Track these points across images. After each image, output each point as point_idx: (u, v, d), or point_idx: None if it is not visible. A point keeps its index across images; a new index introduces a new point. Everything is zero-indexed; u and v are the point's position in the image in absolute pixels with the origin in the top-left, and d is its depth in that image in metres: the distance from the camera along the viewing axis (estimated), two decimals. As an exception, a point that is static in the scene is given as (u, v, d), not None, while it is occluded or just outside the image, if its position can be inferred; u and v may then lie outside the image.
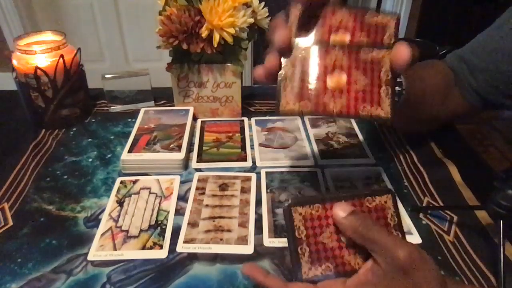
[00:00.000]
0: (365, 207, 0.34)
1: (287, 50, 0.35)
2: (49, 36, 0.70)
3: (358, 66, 0.34)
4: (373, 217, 0.34)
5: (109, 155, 0.63)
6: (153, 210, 0.52)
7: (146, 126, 0.66)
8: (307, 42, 0.35)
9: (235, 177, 0.58)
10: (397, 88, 0.46)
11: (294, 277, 0.34)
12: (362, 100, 0.34)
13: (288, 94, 0.34)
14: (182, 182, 0.57)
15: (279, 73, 0.35)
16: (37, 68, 0.63)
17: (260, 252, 0.46)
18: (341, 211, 0.33)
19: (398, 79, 0.47)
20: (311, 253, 0.34)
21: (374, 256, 0.32)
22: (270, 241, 0.47)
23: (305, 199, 0.35)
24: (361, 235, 0.32)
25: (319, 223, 0.34)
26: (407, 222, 0.50)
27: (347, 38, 0.34)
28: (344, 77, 0.34)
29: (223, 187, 0.56)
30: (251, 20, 0.64)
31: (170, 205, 0.53)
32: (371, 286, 0.32)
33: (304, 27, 0.35)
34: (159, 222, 0.50)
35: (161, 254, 0.46)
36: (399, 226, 0.35)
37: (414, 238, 0.48)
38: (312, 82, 0.34)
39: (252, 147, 0.65)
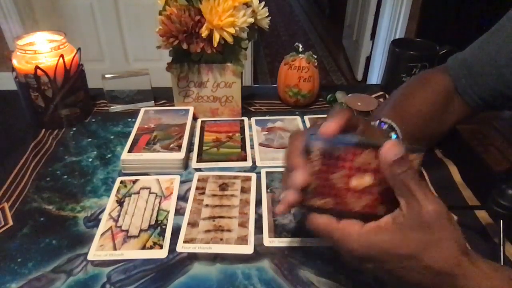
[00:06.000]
0: None
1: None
2: (49, 35, 0.70)
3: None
4: None
5: (109, 155, 0.63)
6: (153, 210, 0.52)
7: (146, 126, 0.66)
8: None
9: (235, 177, 0.58)
10: (392, 134, 0.48)
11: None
12: (381, 202, 0.34)
13: (310, 190, 0.34)
14: (182, 182, 0.57)
15: None
16: (37, 68, 0.63)
17: (260, 252, 0.46)
18: (392, 153, 0.31)
19: (389, 125, 0.49)
20: (316, 187, 0.34)
21: (401, 203, 0.32)
22: (270, 241, 0.47)
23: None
24: (400, 181, 0.31)
25: (335, 163, 0.33)
26: None
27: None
28: (368, 179, 0.33)
29: (223, 187, 0.56)
30: (251, 20, 0.64)
31: (170, 205, 0.53)
32: (388, 233, 0.32)
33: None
34: (159, 222, 0.50)
35: (161, 254, 0.46)
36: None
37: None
38: (336, 182, 0.34)
39: (252, 147, 0.65)
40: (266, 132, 0.69)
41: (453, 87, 0.58)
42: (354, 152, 0.33)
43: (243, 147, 0.65)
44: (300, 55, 0.73)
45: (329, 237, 0.34)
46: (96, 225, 0.50)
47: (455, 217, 0.51)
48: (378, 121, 0.49)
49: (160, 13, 0.64)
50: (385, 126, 0.48)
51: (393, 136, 0.49)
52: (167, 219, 0.51)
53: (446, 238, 0.31)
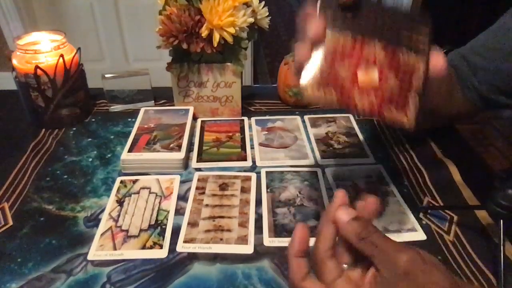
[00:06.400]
0: (395, 59, 0.32)
1: (319, 41, 0.33)
2: (49, 35, 0.70)
3: (391, 65, 0.32)
4: (400, 72, 0.32)
5: (109, 155, 0.63)
6: (153, 209, 0.52)
7: (146, 126, 0.66)
8: (341, 34, 0.32)
9: (235, 177, 0.58)
10: None
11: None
12: (389, 101, 0.32)
13: (315, 78, 0.32)
14: (182, 182, 0.57)
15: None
16: (37, 67, 0.63)
17: (260, 252, 0.46)
18: (344, 214, 0.32)
19: None
20: (321, 74, 0.32)
21: (375, 263, 0.31)
22: (270, 241, 0.47)
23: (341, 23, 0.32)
24: (362, 240, 0.31)
25: (342, 52, 0.32)
26: (411, 219, 0.50)
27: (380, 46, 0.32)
28: (376, 74, 0.32)
29: (223, 186, 0.56)
30: (251, 20, 0.64)
31: (170, 204, 0.53)
32: None
33: (337, 21, 0.33)
34: (159, 222, 0.50)
35: (161, 254, 0.46)
36: (420, 92, 0.33)
37: (419, 235, 0.48)
38: (342, 72, 0.32)
39: (252, 147, 0.65)
40: (266, 132, 0.69)
41: (455, 77, 0.58)
42: (363, 41, 0.32)
43: (243, 147, 0.65)
44: (300, 55, 0.73)
45: None
46: (96, 225, 0.50)
47: (455, 217, 0.51)
48: None
49: (160, 13, 0.64)
50: None
51: None
52: (167, 219, 0.51)
53: (429, 281, 0.29)
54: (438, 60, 0.33)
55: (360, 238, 0.31)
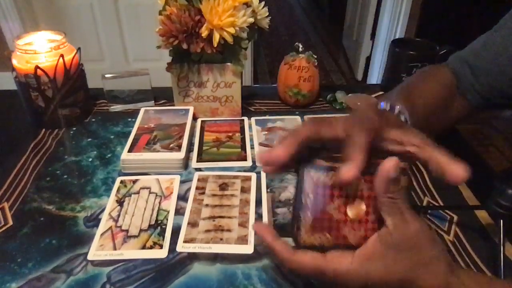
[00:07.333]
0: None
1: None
2: (49, 35, 0.70)
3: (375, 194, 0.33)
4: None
5: (109, 155, 0.63)
6: (153, 209, 0.52)
7: (146, 126, 0.66)
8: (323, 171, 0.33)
9: (235, 177, 0.58)
10: (402, 117, 0.46)
11: (293, 240, 0.34)
12: (375, 230, 0.33)
13: (307, 225, 0.33)
14: (182, 182, 0.57)
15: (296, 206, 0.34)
16: (37, 67, 0.63)
17: (260, 252, 0.46)
18: (392, 168, 0.31)
19: (399, 109, 0.47)
20: (313, 221, 0.33)
21: (388, 222, 0.32)
22: (270, 241, 0.47)
23: (321, 165, 0.33)
24: (391, 199, 0.31)
25: (330, 192, 0.33)
26: None
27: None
28: (363, 207, 0.33)
29: (223, 186, 0.56)
30: (251, 20, 0.64)
31: (170, 204, 0.53)
32: (380, 259, 0.32)
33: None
34: (159, 222, 0.50)
35: (161, 254, 0.46)
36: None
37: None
38: (333, 213, 0.33)
39: (252, 147, 0.65)
40: (266, 132, 0.69)
41: (455, 83, 0.58)
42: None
43: (243, 147, 0.65)
44: (300, 55, 0.73)
45: (320, 275, 0.33)
46: (96, 225, 0.50)
47: (455, 217, 0.51)
48: (389, 105, 0.48)
49: (160, 13, 0.64)
50: (397, 110, 0.47)
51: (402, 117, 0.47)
52: (167, 219, 0.51)
53: (433, 258, 0.31)
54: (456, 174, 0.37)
55: (389, 196, 0.32)
